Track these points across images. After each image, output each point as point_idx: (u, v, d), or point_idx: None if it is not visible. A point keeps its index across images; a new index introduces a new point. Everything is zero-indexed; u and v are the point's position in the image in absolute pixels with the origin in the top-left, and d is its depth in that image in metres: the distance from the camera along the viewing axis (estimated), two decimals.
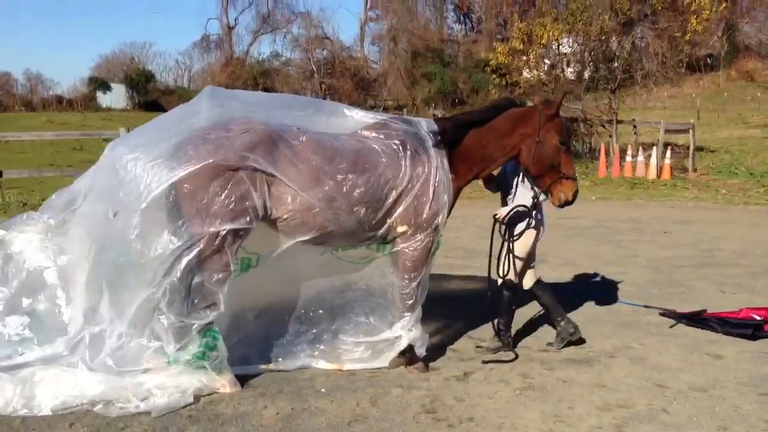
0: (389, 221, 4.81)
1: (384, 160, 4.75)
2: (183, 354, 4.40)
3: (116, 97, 50.29)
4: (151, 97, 51.22)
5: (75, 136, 20.82)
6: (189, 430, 4.01)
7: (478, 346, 5.45)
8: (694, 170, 19.90)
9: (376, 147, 4.80)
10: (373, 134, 4.92)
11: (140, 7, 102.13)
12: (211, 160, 4.31)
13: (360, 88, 45.47)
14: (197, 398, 4.38)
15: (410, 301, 4.96)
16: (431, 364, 5.12)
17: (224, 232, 4.34)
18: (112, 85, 51.14)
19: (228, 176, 4.35)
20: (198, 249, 4.31)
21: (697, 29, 20.97)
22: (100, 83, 50.89)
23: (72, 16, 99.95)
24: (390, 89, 44.05)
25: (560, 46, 22.89)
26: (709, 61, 42.52)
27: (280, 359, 4.99)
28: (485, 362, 5.14)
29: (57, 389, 4.23)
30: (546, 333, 5.89)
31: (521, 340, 5.73)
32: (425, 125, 5.02)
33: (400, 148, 4.83)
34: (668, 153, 19.41)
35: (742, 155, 22.11)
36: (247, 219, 4.42)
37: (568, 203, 5.18)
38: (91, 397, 4.23)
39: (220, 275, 4.42)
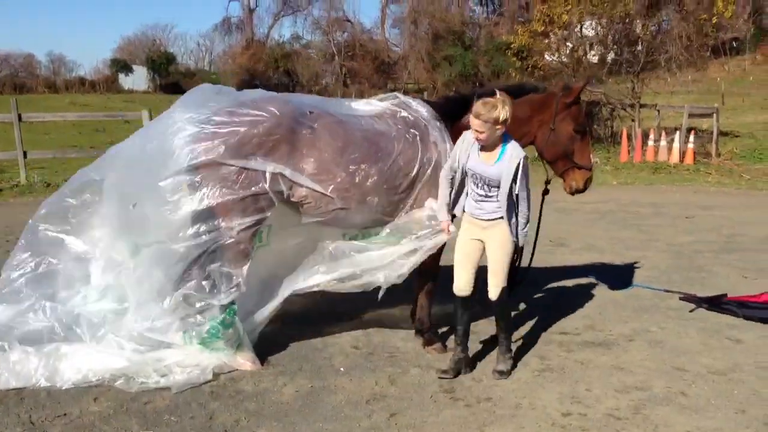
0: (403, 206, 4.82)
1: (397, 146, 4.74)
2: (198, 330, 4.44)
3: (138, 79, 50.62)
4: (172, 79, 51.46)
5: (98, 117, 21.22)
6: (210, 406, 4.08)
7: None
8: (718, 155, 19.62)
9: (389, 132, 4.79)
10: (386, 118, 4.91)
11: None
12: (222, 151, 4.29)
13: (380, 71, 45.34)
14: (217, 375, 4.45)
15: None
16: (449, 345, 5.14)
17: (238, 225, 4.37)
18: (134, 67, 51.47)
19: (239, 170, 4.34)
20: (214, 236, 4.34)
21: (724, 13, 20.57)
22: (122, 65, 51.25)
23: None
24: (411, 72, 43.87)
25: (583, 29, 22.59)
26: (734, 44, 41.88)
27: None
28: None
29: (79, 363, 4.32)
30: (563, 316, 5.90)
31: (539, 323, 5.73)
32: (429, 108, 5.00)
33: (412, 132, 4.82)
34: (691, 137, 19.15)
35: (766, 140, 21.78)
36: (261, 209, 4.44)
37: (579, 191, 5.22)
38: (113, 371, 4.31)
39: (238, 261, 4.45)
